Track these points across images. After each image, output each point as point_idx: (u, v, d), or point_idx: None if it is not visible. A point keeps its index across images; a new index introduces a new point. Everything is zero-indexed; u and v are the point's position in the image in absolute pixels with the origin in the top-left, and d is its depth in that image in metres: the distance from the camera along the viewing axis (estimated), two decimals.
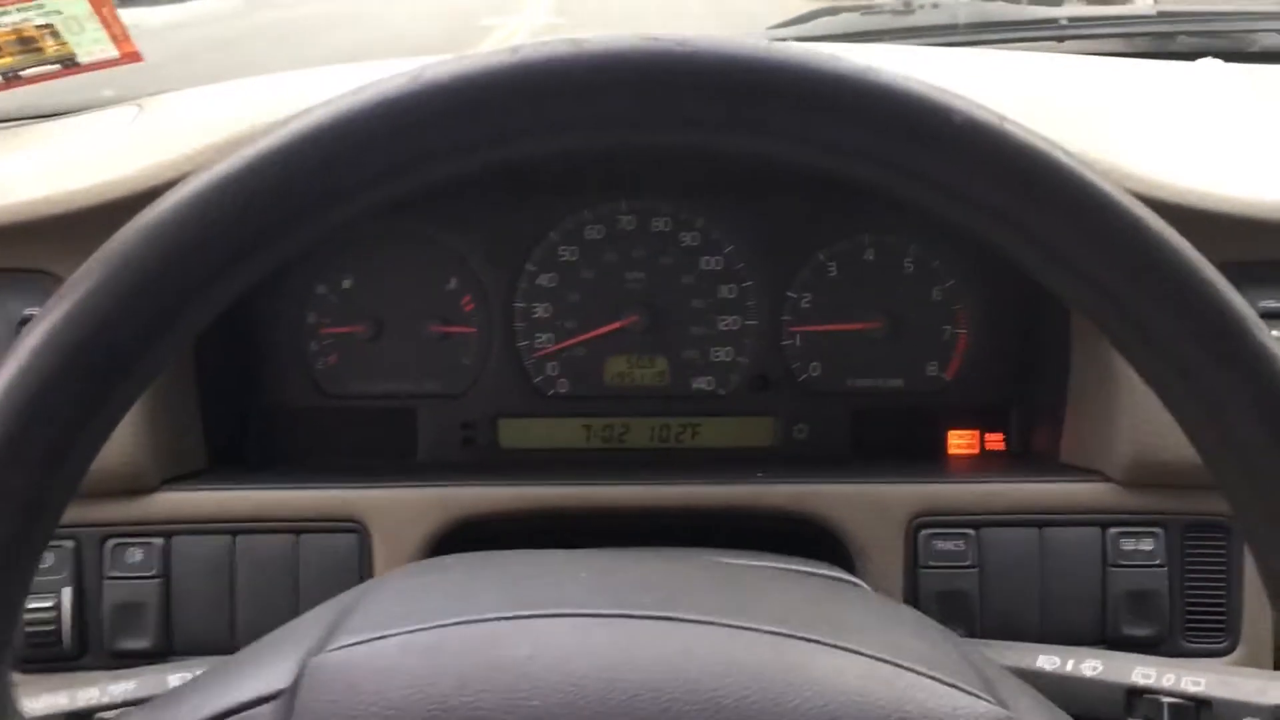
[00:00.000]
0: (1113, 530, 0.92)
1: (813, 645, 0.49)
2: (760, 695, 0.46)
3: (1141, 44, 1.39)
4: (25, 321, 0.90)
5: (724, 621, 0.50)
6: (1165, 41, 1.39)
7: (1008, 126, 0.45)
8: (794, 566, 0.80)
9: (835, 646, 0.49)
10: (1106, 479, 0.94)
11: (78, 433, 0.43)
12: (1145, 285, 0.45)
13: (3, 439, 0.41)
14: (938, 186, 0.47)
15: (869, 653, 0.49)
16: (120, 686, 0.71)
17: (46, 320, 0.43)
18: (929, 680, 0.48)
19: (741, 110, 0.45)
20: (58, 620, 0.91)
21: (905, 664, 0.49)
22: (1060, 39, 1.39)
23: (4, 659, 0.45)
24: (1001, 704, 0.48)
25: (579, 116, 0.45)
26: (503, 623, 0.48)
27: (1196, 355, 0.45)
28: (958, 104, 0.45)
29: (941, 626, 0.59)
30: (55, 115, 1.18)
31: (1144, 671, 0.72)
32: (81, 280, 0.43)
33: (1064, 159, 0.45)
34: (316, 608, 0.55)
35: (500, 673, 0.45)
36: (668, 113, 0.45)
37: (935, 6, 1.48)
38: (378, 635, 0.47)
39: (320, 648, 0.47)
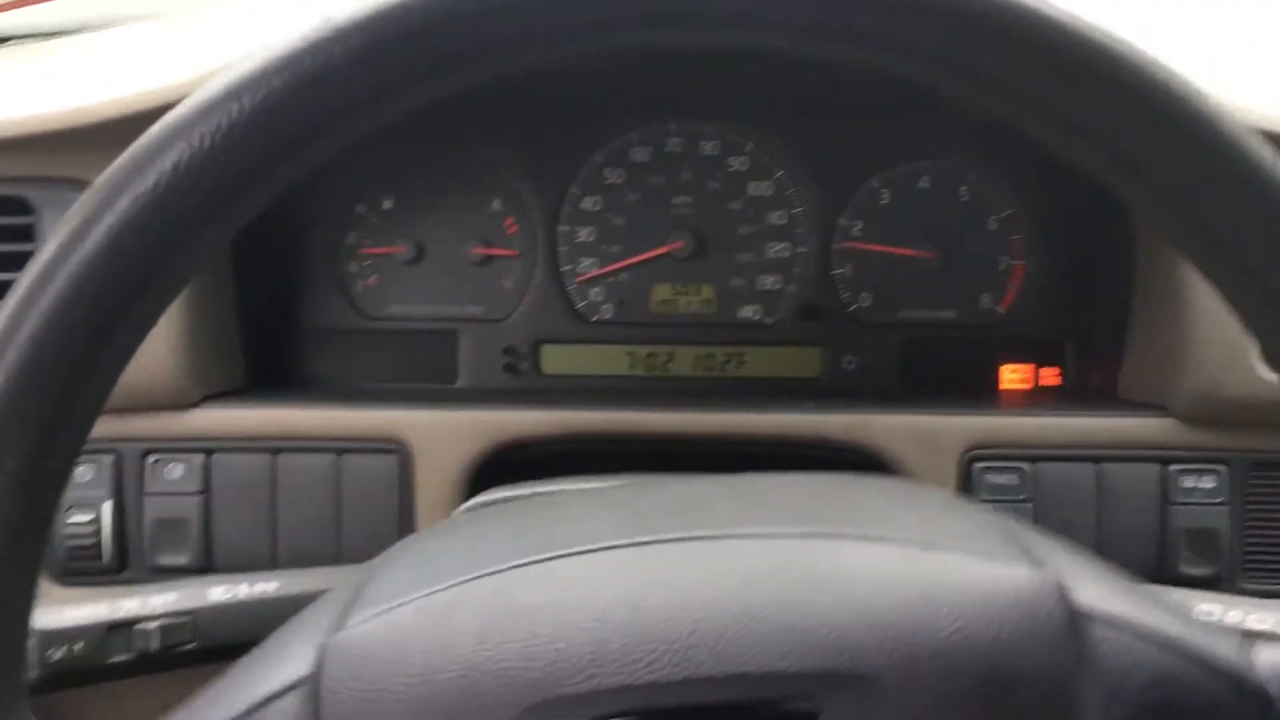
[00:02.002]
0: (1173, 467, 0.90)
1: (840, 541, 0.48)
2: (792, 600, 0.44)
3: None
4: None
5: (745, 532, 0.49)
6: None
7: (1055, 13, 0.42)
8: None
9: (864, 538, 0.48)
10: (1168, 414, 0.91)
11: (107, 338, 0.41)
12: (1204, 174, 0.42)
13: (48, 320, 0.40)
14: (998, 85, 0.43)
15: (900, 537, 0.47)
16: (161, 598, 0.70)
17: (77, 217, 0.41)
18: (964, 556, 0.46)
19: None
20: (98, 534, 0.90)
21: (935, 543, 0.47)
22: None
23: (35, 571, 0.44)
24: (1038, 564, 0.46)
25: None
26: (515, 570, 0.47)
27: (1253, 240, 0.42)
28: None
29: (973, 502, 0.57)
30: (93, 28, 1.15)
31: (1207, 608, 0.70)
32: (126, 169, 0.41)
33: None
34: (331, 590, 0.54)
35: (521, 620, 0.44)
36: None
37: None
38: (393, 605, 0.46)
39: (338, 626, 0.46)
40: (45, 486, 0.41)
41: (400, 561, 0.53)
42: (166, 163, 0.40)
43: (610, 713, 0.43)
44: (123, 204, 0.40)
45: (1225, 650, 0.46)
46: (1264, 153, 0.41)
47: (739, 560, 0.47)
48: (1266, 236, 0.42)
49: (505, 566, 0.47)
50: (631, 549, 0.48)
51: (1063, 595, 0.45)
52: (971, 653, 0.43)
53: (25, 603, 0.43)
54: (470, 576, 0.47)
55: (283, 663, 0.46)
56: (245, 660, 0.49)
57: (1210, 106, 0.41)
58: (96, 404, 0.42)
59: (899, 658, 0.43)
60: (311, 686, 0.44)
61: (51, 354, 0.40)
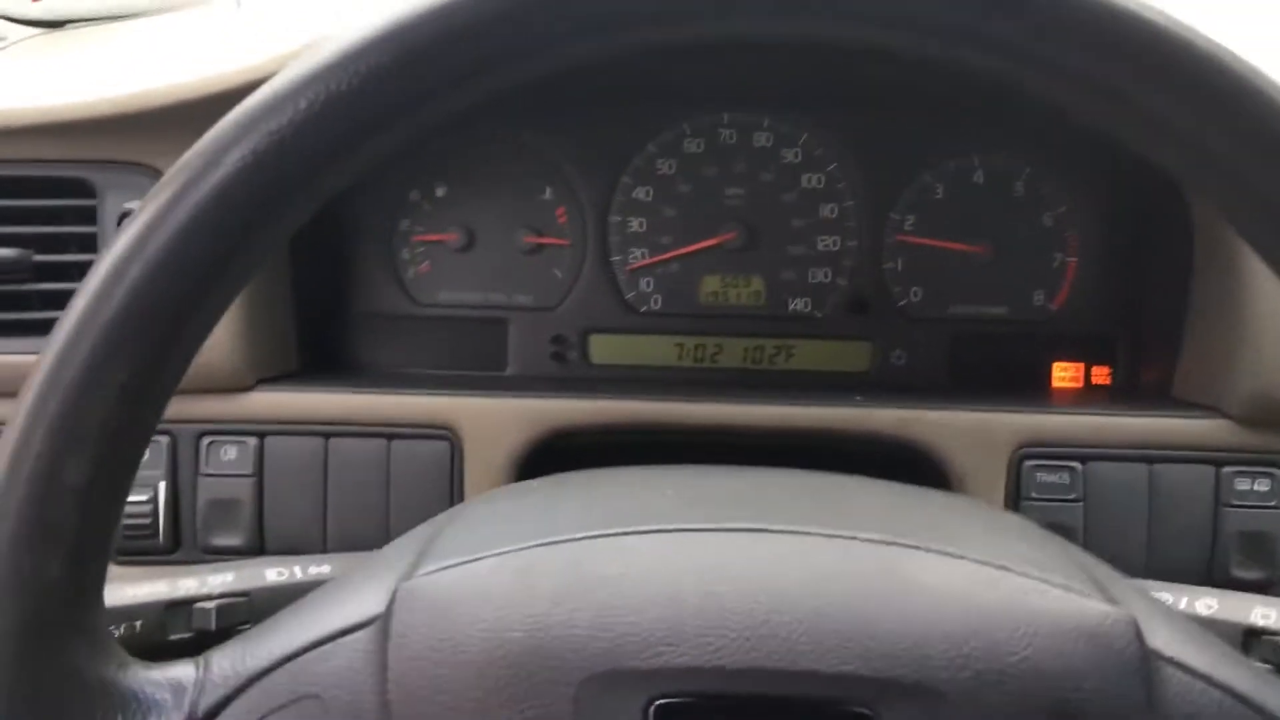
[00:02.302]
0: (1227, 469, 0.89)
1: (916, 551, 0.47)
2: (863, 603, 0.44)
3: None
4: (127, 215, 0.90)
5: (821, 531, 0.48)
6: None
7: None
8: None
9: (940, 552, 0.47)
10: (1223, 415, 0.90)
11: (192, 311, 0.42)
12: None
13: (134, 293, 0.41)
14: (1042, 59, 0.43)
15: (976, 557, 0.47)
16: (219, 578, 0.71)
17: (164, 195, 0.41)
18: (1040, 583, 0.46)
19: None
20: (153, 514, 0.92)
21: (1014, 568, 0.47)
22: None
23: (109, 548, 0.45)
24: (1114, 602, 0.46)
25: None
26: (592, 540, 0.47)
27: None
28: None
29: (1049, 531, 0.57)
30: (155, 12, 1.17)
31: (1263, 612, 0.69)
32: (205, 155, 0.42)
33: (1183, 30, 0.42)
34: (402, 537, 0.55)
35: (594, 590, 0.44)
36: None
37: None
38: (468, 559, 0.47)
39: (410, 573, 0.47)
40: (148, 404, 0.43)
41: (471, 519, 0.54)
42: (273, 123, 0.41)
43: (673, 692, 0.43)
44: (231, 159, 0.41)
45: None
46: None
47: (815, 557, 0.47)
48: None
49: (581, 535, 0.47)
50: (708, 533, 0.48)
51: (1137, 634, 0.45)
52: (1039, 680, 0.43)
53: (114, 510, 0.44)
54: (546, 541, 0.47)
55: (353, 601, 0.47)
56: (316, 595, 0.50)
57: None
58: (197, 339, 0.43)
59: (966, 675, 0.43)
60: (381, 627, 0.45)
61: (166, 280, 0.41)
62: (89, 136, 0.90)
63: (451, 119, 0.43)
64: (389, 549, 0.54)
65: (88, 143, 0.91)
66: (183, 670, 0.48)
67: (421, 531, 0.54)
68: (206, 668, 0.48)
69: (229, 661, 0.48)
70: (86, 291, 0.42)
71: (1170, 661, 0.45)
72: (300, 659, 0.47)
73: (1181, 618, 0.52)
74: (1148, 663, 0.44)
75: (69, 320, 0.42)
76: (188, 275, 0.42)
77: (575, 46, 0.42)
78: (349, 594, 0.49)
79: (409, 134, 0.43)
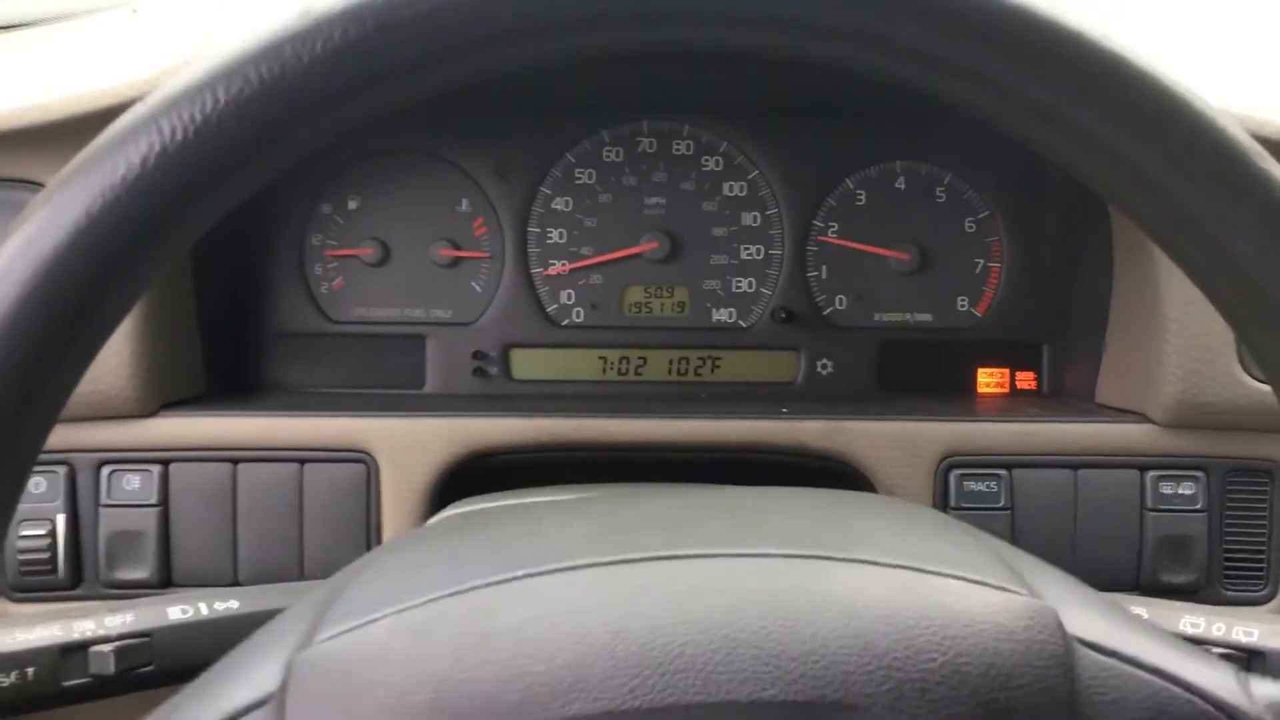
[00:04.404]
0: (1152, 473, 0.89)
1: (826, 563, 0.46)
2: (778, 624, 0.42)
3: None
4: None
5: (729, 552, 0.47)
6: None
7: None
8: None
9: (851, 560, 0.46)
10: (1146, 420, 0.90)
11: (72, 339, 0.39)
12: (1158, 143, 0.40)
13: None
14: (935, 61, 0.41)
15: (888, 561, 0.46)
16: (118, 619, 0.68)
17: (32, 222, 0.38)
18: (955, 581, 0.45)
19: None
20: (52, 548, 0.87)
21: (928, 568, 0.45)
22: None
23: None
24: (1035, 594, 0.45)
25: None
26: (494, 588, 0.45)
27: (1198, 197, 0.40)
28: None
29: (963, 523, 0.56)
30: (49, 21, 1.12)
31: (1192, 620, 0.69)
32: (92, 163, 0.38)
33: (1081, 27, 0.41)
34: (303, 599, 0.52)
35: (498, 640, 0.42)
36: None
37: None
38: (364, 621, 0.44)
39: (306, 642, 0.44)
40: (6, 476, 0.39)
41: (371, 574, 0.51)
42: (135, 155, 0.38)
43: None
44: (89, 193, 0.38)
45: (1222, 683, 0.45)
46: (1265, 160, 0.40)
47: (725, 581, 0.45)
48: (1267, 245, 0.40)
49: (482, 583, 0.45)
50: (614, 567, 0.46)
51: (1059, 625, 0.44)
52: (964, 684, 0.42)
53: None
54: (445, 593, 0.44)
55: (247, 679, 0.44)
56: (208, 675, 0.47)
57: (1210, 111, 0.40)
58: (70, 382, 0.39)
59: (888, 688, 0.41)
60: (277, 704, 0.42)
61: (15, 344, 0.37)
62: None
63: (343, 134, 0.40)
64: (282, 618, 0.51)
65: None
66: None
67: (321, 592, 0.51)
68: None
69: None
70: None
71: (1094, 648, 0.45)
72: None
73: (1102, 600, 0.51)
74: (1071, 652, 0.43)
75: None
76: (64, 304, 0.38)
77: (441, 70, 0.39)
78: (243, 670, 0.46)
79: (293, 154, 0.40)
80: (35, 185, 0.86)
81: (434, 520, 0.81)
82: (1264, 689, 0.45)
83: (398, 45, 0.38)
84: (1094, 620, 0.46)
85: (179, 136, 0.38)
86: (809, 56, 0.41)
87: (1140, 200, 0.42)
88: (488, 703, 0.41)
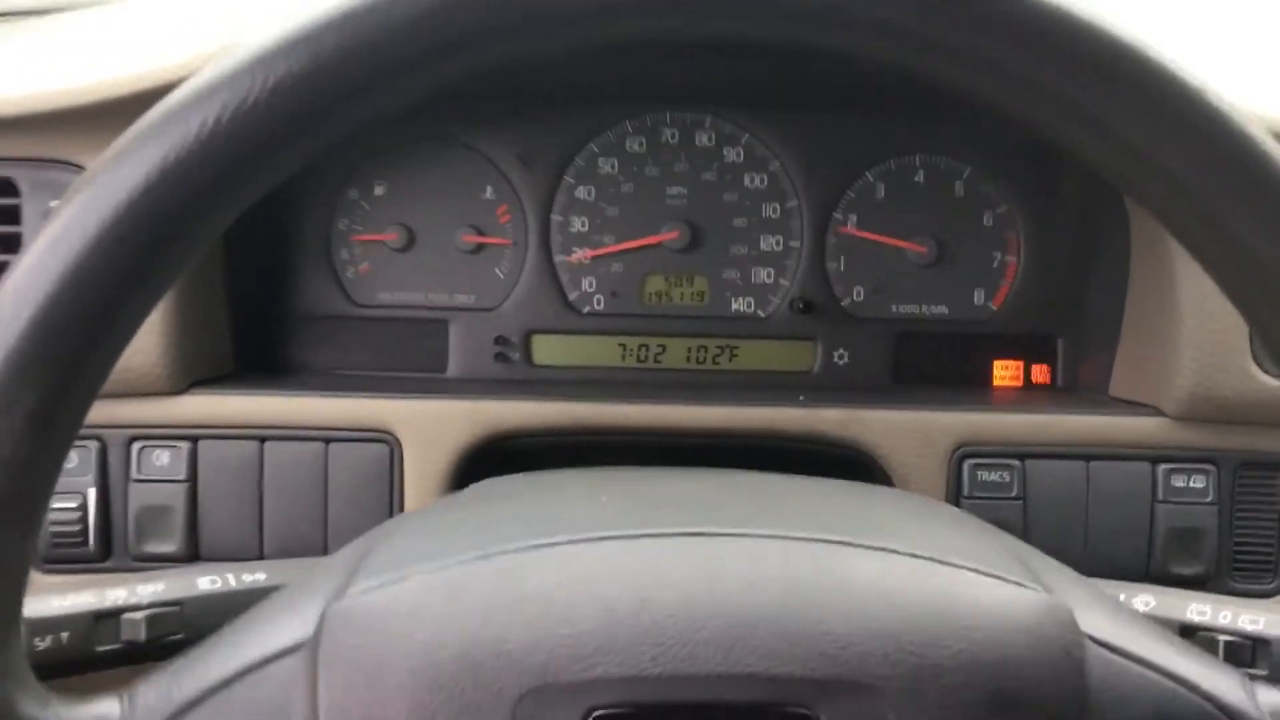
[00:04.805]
0: (1164, 466, 0.90)
1: (849, 549, 0.48)
2: (799, 604, 0.44)
3: None
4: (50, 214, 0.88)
5: (755, 532, 0.49)
6: None
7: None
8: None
9: (873, 548, 0.48)
10: (1159, 413, 0.91)
11: (103, 331, 0.40)
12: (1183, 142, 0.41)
13: (39, 315, 0.39)
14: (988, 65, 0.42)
15: (908, 551, 0.48)
16: (149, 588, 0.70)
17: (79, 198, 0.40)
18: (971, 573, 0.46)
19: None
20: (83, 521, 0.89)
21: (947, 560, 0.47)
22: None
23: (23, 584, 0.43)
24: (1047, 589, 0.46)
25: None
26: (524, 553, 0.47)
27: (1223, 199, 0.41)
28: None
29: (981, 520, 0.57)
30: (83, 6, 1.14)
31: (1199, 608, 0.70)
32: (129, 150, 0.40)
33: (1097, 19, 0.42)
34: (334, 554, 0.54)
35: (526, 603, 0.44)
36: None
37: None
38: (398, 577, 0.46)
39: (340, 593, 0.46)
40: (57, 431, 0.41)
41: (403, 534, 0.53)
42: (178, 135, 0.39)
43: (610, 703, 0.43)
44: (149, 157, 0.39)
45: (1229, 688, 0.47)
46: (1275, 150, 0.41)
47: (750, 560, 0.47)
48: (1276, 234, 0.42)
49: (512, 547, 0.47)
50: (642, 540, 0.48)
51: (1071, 621, 0.45)
52: (977, 671, 0.43)
53: (24, 547, 0.42)
54: (478, 555, 0.46)
55: (282, 625, 0.46)
56: (243, 619, 0.49)
57: (1223, 104, 0.41)
58: (112, 355, 0.41)
59: (903, 670, 0.43)
60: (310, 652, 0.44)
61: (77, 295, 0.39)
62: (11, 134, 0.88)
63: (374, 122, 0.41)
64: (320, 567, 0.53)
65: (10, 140, 0.88)
66: (107, 706, 0.47)
67: (353, 548, 0.53)
68: (131, 703, 0.47)
69: (155, 695, 0.47)
70: None
71: (1105, 646, 0.46)
72: (229, 688, 0.46)
73: (1114, 602, 0.52)
74: (1082, 648, 0.45)
75: None
76: (97, 291, 0.39)
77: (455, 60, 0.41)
78: (277, 617, 0.48)
79: (327, 140, 0.41)
80: (68, 165, 0.88)
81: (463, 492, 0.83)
82: (1271, 696, 0.47)
83: (439, 28, 0.39)
84: (1107, 620, 0.48)
85: (224, 117, 0.39)
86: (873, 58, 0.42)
87: (1160, 195, 0.43)
88: (514, 661, 0.42)
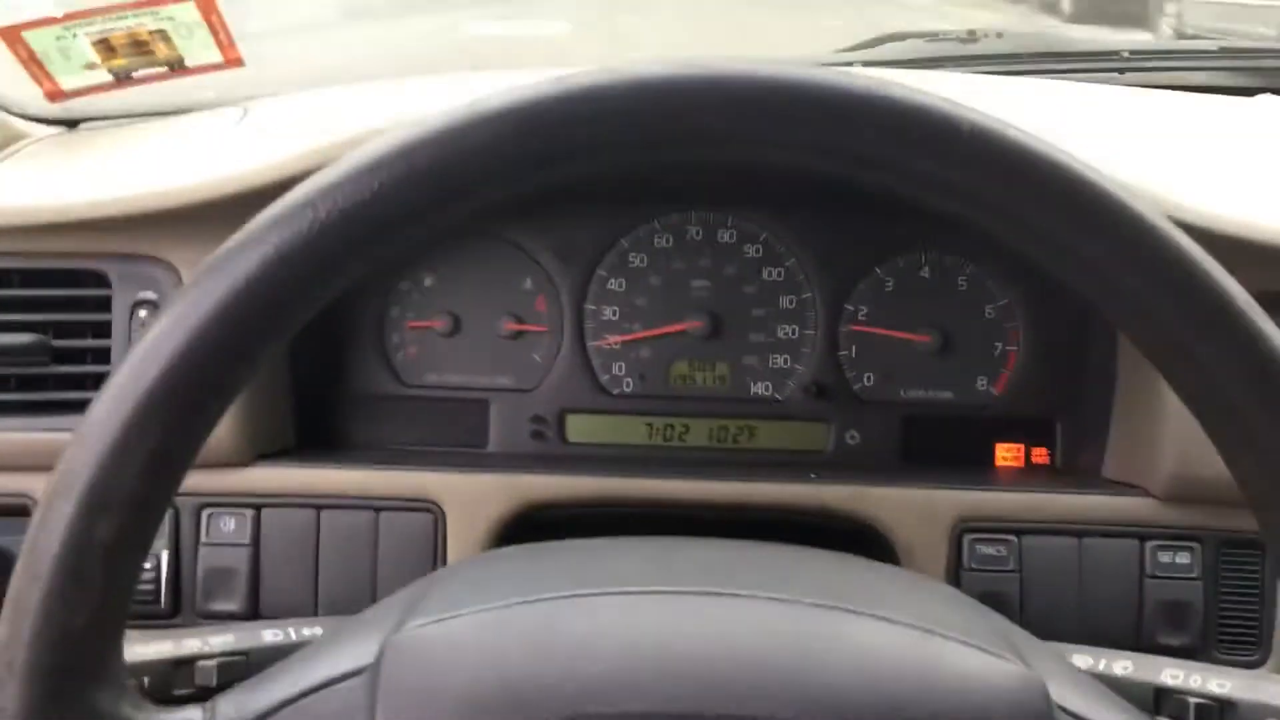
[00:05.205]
0: (1151, 543, 0.96)
1: (850, 615, 0.54)
2: (803, 660, 0.51)
3: (1201, 78, 1.42)
4: (139, 304, 0.98)
5: (767, 595, 0.55)
6: (1225, 76, 1.42)
7: (1010, 132, 0.49)
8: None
9: (871, 615, 0.54)
10: (1147, 494, 0.98)
11: (216, 390, 0.49)
12: (1141, 269, 0.49)
13: (166, 373, 0.47)
14: (950, 189, 0.51)
15: (904, 620, 0.54)
16: (220, 639, 0.77)
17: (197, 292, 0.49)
18: (960, 645, 0.53)
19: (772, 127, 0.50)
20: (156, 580, 0.98)
21: (938, 630, 0.53)
22: (1121, 70, 1.42)
23: (129, 601, 0.51)
24: (1025, 663, 0.53)
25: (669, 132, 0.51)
26: (562, 601, 0.54)
27: (1189, 335, 0.48)
28: (965, 114, 0.50)
29: (975, 601, 0.64)
30: (162, 114, 1.25)
31: (1173, 673, 0.75)
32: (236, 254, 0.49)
33: (1059, 156, 0.49)
34: (391, 595, 0.61)
35: (561, 644, 0.51)
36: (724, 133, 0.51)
37: (999, 36, 1.51)
38: (450, 615, 0.53)
39: (398, 627, 0.53)
40: (172, 471, 0.49)
41: (457, 579, 0.60)
42: (296, 225, 0.48)
43: None
44: (257, 256, 0.48)
45: None
46: (1264, 322, 0.48)
47: (759, 618, 0.53)
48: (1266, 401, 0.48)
49: (551, 595, 0.54)
50: (666, 595, 0.55)
51: (1044, 692, 0.51)
52: None
53: (137, 567, 0.50)
54: (520, 600, 0.53)
55: (345, 652, 0.53)
56: (310, 647, 0.56)
57: (1208, 265, 0.48)
58: (218, 414, 0.50)
59: None
60: (372, 675, 0.51)
61: (196, 362, 0.48)
62: (104, 232, 0.98)
63: (444, 231, 0.50)
64: (379, 606, 0.60)
65: (103, 238, 0.98)
66: (192, 714, 0.53)
67: (409, 591, 0.61)
68: (213, 711, 0.54)
69: (233, 706, 0.53)
70: (122, 371, 0.48)
71: (1073, 715, 0.52)
72: (299, 703, 0.52)
73: (1088, 679, 0.58)
74: (1052, 717, 0.51)
75: (105, 396, 0.48)
76: (213, 362, 0.48)
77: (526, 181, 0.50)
78: (343, 646, 0.55)
79: (410, 242, 0.51)
80: (157, 261, 0.98)
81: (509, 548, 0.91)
82: None
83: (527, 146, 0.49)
84: (1076, 693, 0.53)
85: (331, 216, 0.48)
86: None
87: (1148, 339, 0.50)
88: (550, 693, 0.49)
